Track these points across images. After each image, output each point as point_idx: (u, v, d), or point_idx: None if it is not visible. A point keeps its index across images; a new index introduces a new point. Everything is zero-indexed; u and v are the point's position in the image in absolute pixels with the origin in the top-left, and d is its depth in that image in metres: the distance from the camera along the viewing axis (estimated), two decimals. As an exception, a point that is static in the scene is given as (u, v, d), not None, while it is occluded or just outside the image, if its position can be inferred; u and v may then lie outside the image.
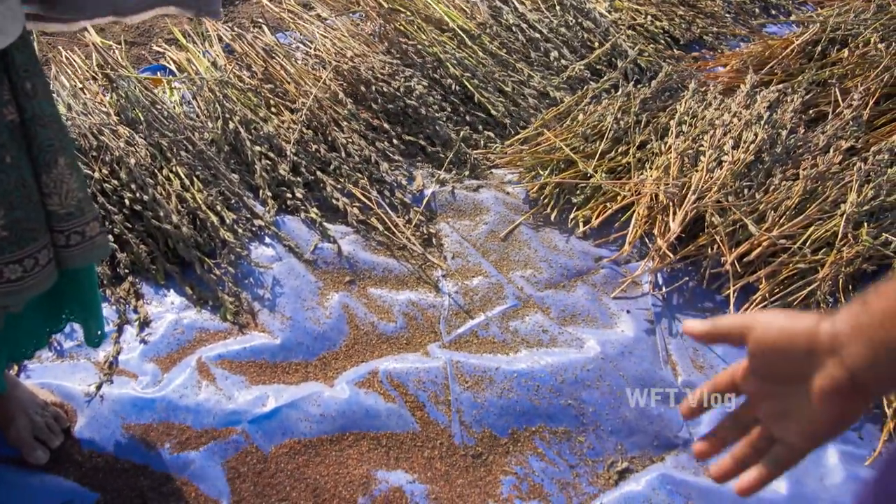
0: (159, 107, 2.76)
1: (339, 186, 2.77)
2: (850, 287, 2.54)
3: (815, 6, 4.04)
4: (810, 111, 3.14)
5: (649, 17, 3.66)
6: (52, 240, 1.70)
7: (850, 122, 3.02)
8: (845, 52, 3.29)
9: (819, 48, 3.37)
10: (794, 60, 3.34)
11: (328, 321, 2.41)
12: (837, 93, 3.17)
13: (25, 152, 1.58)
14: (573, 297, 2.57)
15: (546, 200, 2.85)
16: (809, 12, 4.00)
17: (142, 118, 2.68)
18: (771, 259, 2.60)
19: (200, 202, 2.53)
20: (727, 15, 3.84)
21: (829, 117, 3.10)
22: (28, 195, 1.60)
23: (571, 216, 2.81)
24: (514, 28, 3.43)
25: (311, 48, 3.29)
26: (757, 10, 3.95)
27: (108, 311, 2.36)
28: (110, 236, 2.43)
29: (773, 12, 4.01)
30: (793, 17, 3.92)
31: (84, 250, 1.74)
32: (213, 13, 1.69)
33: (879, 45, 3.27)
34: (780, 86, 3.20)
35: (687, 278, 2.65)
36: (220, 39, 3.26)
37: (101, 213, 2.46)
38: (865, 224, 2.63)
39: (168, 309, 2.39)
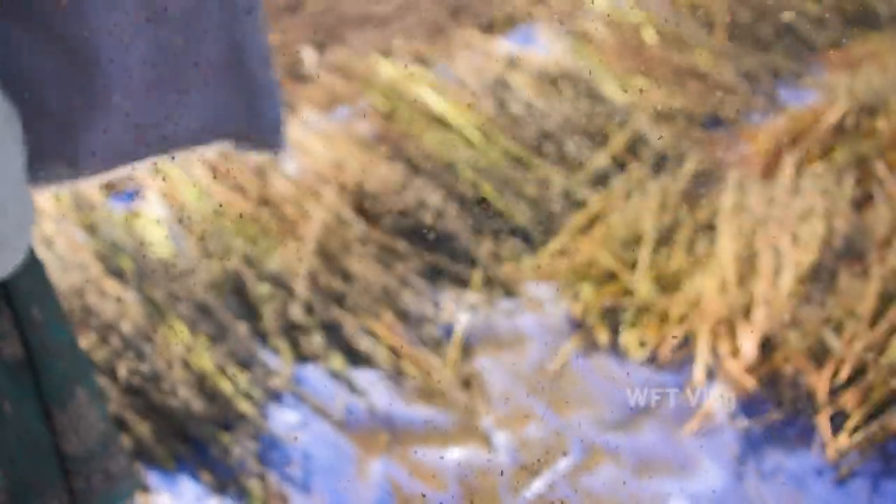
0: (148, 250, 2.41)
1: (360, 325, 2.44)
2: (951, 403, 2.27)
3: (822, 67, 3.83)
4: (856, 193, 2.89)
5: (662, 95, 3.41)
6: (68, 485, 1.37)
7: (905, 203, 2.77)
8: (880, 123, 3.07)
9: (849, 119, 3.14)
10: (828, 135, 3.10)
11: (373, 499, 2.06)
12: (884, 167, 2.93)
13: (32, 390, 1.22)
14: (644, 438, 2.26)
15: (592, 321, 2.54)
16: (817, 77, 3.79)
17: (130, 267, 2.33)
18: (858, 377, 2.32)
19: (208, 365, 2.18)
20: (740, 85, 3.61)
21: (879, 198, 2.85)
22: (35, 444, 1.24)
23: (623, 339, 2.51)
24: (523, 119, 3.15)
25: (303, 157, 2.96)
26: (767, 76, 3.73)
27: (112, 512, 1.99)
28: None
29: (784, 76, 3.79)
30: (809, 82, 3.70)
31: (109, 490, 1.41)
32: (276, 146, 1.30)
33: (916, 113, 3.05)
34: (821, 166, 2.95)
35: (764, 402, 2.36)
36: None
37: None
38: (955, 326, 2.37)
39: (184, 502, 2.02)
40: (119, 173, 1.21)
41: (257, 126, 1.30)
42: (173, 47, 1.17)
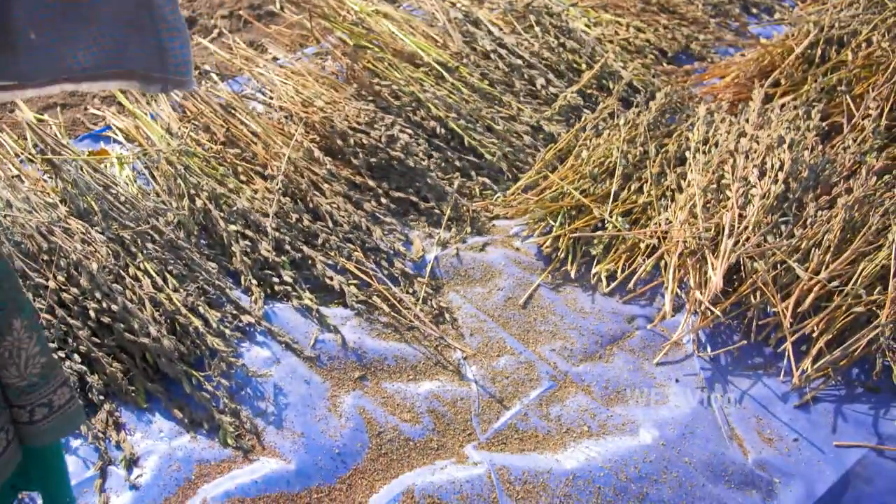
0: (114, 191, 2.38)
1: (330, 262, 2.44)
2: (913, 328, 2.31)
3: (794, 1, 3.81)
4: (823, 124, 2.89)
5: (632, 30, 3.38)
6: (11, 416, 1.38)
7: (871, 134, 2.78)
8: (847, 54, 3.06)
9: (818, 51, 3.13)
10: (797, 68, 3.10)
11: (345, 431, 2.08)
12: (850, 101, 2.93)
13: None
14: (613, 368, 2.29)
15: (562, 255, 2.55)
16: (790, 7, 3.77)
17: (96, 208, 2.30)
18: (823, 304, 2.35)
19: (178, 304, 2.17)
20: (711, 20, 3.58)
21: (846, 129, 2.86)
22: None
23: (593, 271, 2.52)
24: (492, 55, 3.12)
25: (271, 97, 2.92)
26: (737, 10, 3.71)
27: (85, 449, 1.99)
28: (76, 356, 2.06)
29: (754, 11, 3.76)
30: (777, 16, 3.68)
31: (53, 424, 1.42)
32: (184, 83, 1.34)
33: (884, 45, 3.04)
34: (790, 98, 2.96)
35: (730, 331, 2.39)
36: (168, 96, 2.87)
37: (62, 331, 2.09)
38: (918, 254, 2.40)
39: (157, 438, 2.03)
40: (28, 94, 1.27)
41: (165, 66, 1.30)
42: None
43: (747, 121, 2.81)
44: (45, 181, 2.47)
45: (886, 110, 2.90)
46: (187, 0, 3.61)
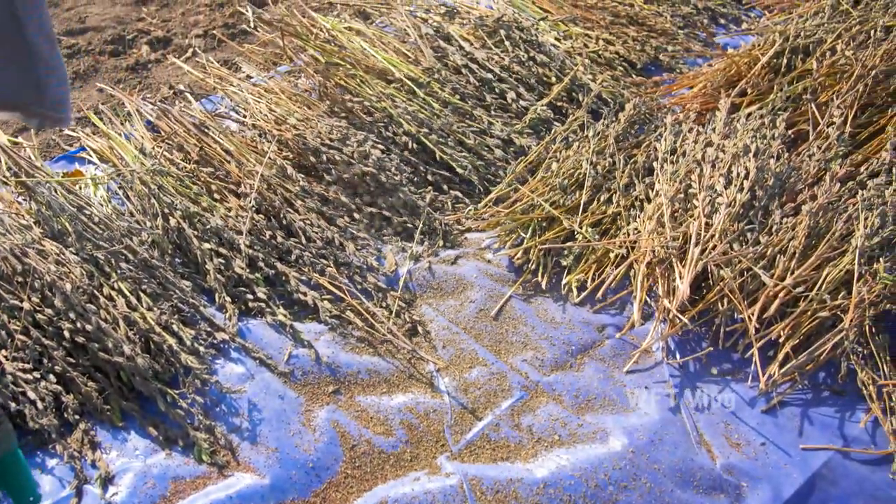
0: (88, 211, 2.41)
1: (303, 278, 2.47)
2: (876, 332, 2.35)
3: (762, 11, 3.87)
4: (789, 132, 2.94)
5: (601, 42, 3.43)
6: None
7: (836, 141, 2.83)
8: (812, 63, 3.11)
9: (784, 60, 3.18)
10: (763, 77, 3.15)
11: (319, 445, 2.10)
12: (815, 109, 2.98)
13: None
14: (583, 377, 2.32)
15: (533, 266, 2.59)
16: (757, 18, 3.83)
17: (70, 229, 2.33)
18: (788, 309, 2.39)
19: (153, 322, 2.20)
20: (679, 31, 3.63)
21: (811, 137, 2.91)
22: None
23: (564, 281, 2.56)
24: (463, 70, 3.16)
25: (245, 115, 2.95)
26: (705, 21, 3.76)
27: (61, 468, 2.01)
28: (51, 376, 2.08)
29: (722, 21, 3.82)
30: (744, 27, 3.74)
31: None
32: (61, 120, 1.37)
33: (848, 53, 3.10)
34: (756, 108, 3.00)
35: (699, 338, 2.43)
36: (141, 114, 2.90)
37: (36, 352, 2.11)
38: (881, 259, 2.44)
39: (132, 456, 2.05)
40: None
41: (42, 101, 1.33)
42: None
43: (714, 131, 2.86)
44: (19, 203, 2.49)
45: (850, 117, 2.95)
46: (162, 21, 3.64)
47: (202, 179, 2.65)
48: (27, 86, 1.31)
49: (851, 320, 2.31)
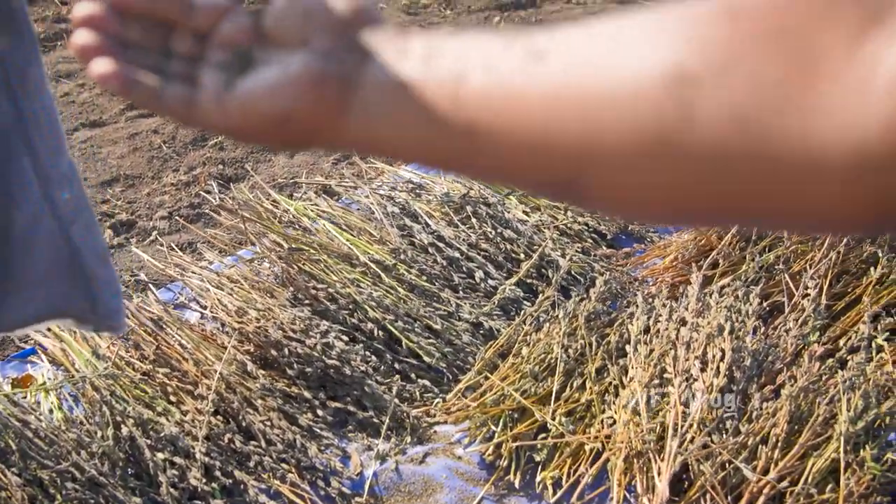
0: (34, 426, 2.29)
1: (263, 486, 2.33)
2: (870, 527, 2.22)
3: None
4: (765, 304, 2.88)
5: (570, 214, 3.40)
6: None
7: (812, 314, 2.77)
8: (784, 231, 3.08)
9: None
10: (734, 247, 3.11)
11: None
12: (788, 280, 2.93)
13: None
14: (561, 589, 2.17)
15: (505, 462, 2.47)
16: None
17: (14, 447, 2.21)
18: (774, 505, 2.27)
19: (97, 550, 2.05)
20: (648, 198, 3.62)
21: (787, 309, 2.85)
22: None
23: (538, 479, 2.43)
24: (430, 248, 3.11)
25: (205, 306, 2.88)
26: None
27: None
28: None
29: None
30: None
31: None
32: (115, 328, 1.33)
33: (817, 220, 3.07)
34: (730, 279, 2.95)
35: (683, 539, 2.29)
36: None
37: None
38: (867, 446, 2.34)
39: None
40: None
41: (97, 312, 1.31)
42: (4, 259, 1.20)
43: (687, 308, 2.79)
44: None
45: (825, 287, 2.90)
46: (127, 202, 3.61)
47: (158, 381, 2.54)
48: (82, 301, 1.29)
49: (842, 516, 2.19)
